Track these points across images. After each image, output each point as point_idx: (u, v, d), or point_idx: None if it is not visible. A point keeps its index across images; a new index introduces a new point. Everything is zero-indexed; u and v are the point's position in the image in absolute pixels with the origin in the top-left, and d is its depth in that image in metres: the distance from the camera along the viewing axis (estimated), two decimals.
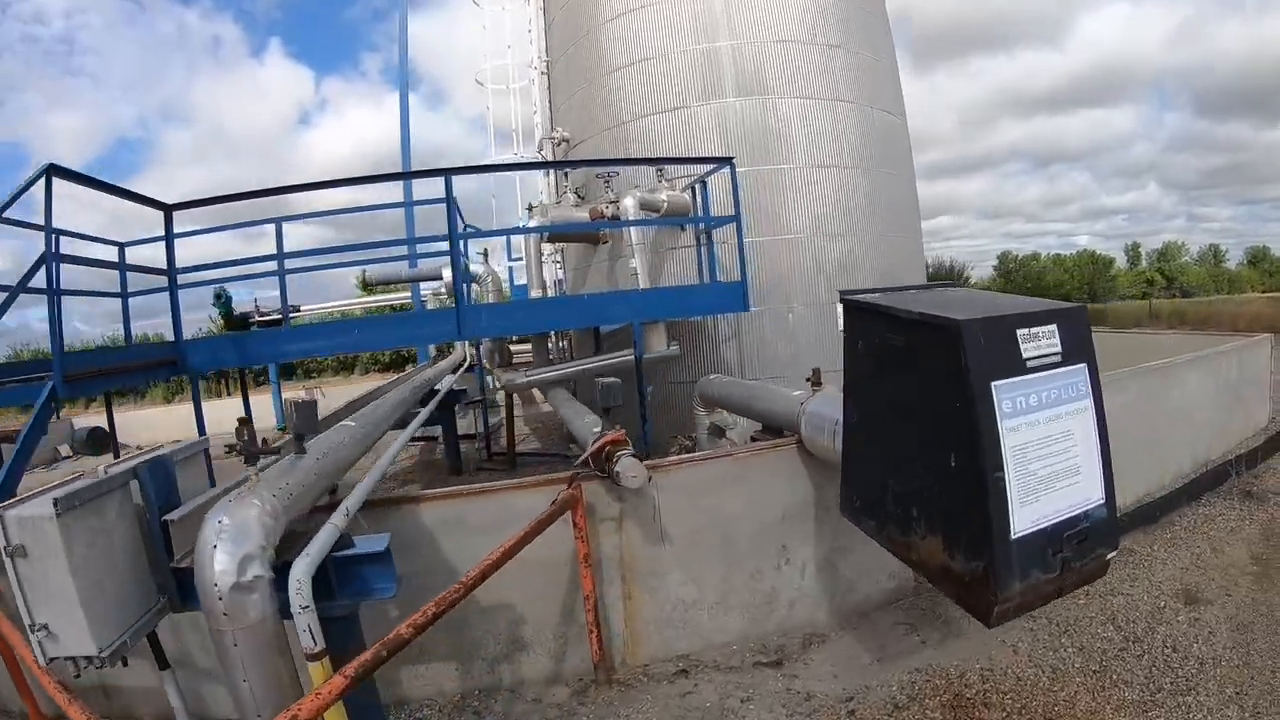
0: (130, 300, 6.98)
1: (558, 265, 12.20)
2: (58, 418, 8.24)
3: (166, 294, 6.80)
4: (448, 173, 7.00)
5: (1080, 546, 2.94)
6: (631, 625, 5.00)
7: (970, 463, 2.76)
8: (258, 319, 12.97)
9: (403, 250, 10.85)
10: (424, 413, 7.07)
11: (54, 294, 5.22)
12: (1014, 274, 46.45)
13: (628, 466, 4.45)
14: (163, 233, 6.68)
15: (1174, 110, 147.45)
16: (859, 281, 9.25)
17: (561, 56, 11.66)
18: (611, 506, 4.89)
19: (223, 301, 12.59)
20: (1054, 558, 2.90)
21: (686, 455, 5.51)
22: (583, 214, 9.16)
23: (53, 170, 5.01)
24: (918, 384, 3.04)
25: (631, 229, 8.28)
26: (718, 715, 4.32)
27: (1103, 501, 3.00)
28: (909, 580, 5.54)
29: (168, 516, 3.22)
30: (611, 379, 6.02)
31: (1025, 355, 2.91)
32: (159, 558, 3.25)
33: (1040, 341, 2.96)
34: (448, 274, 10.36)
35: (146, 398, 25.17)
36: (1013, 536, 2.79)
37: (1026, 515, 2.84)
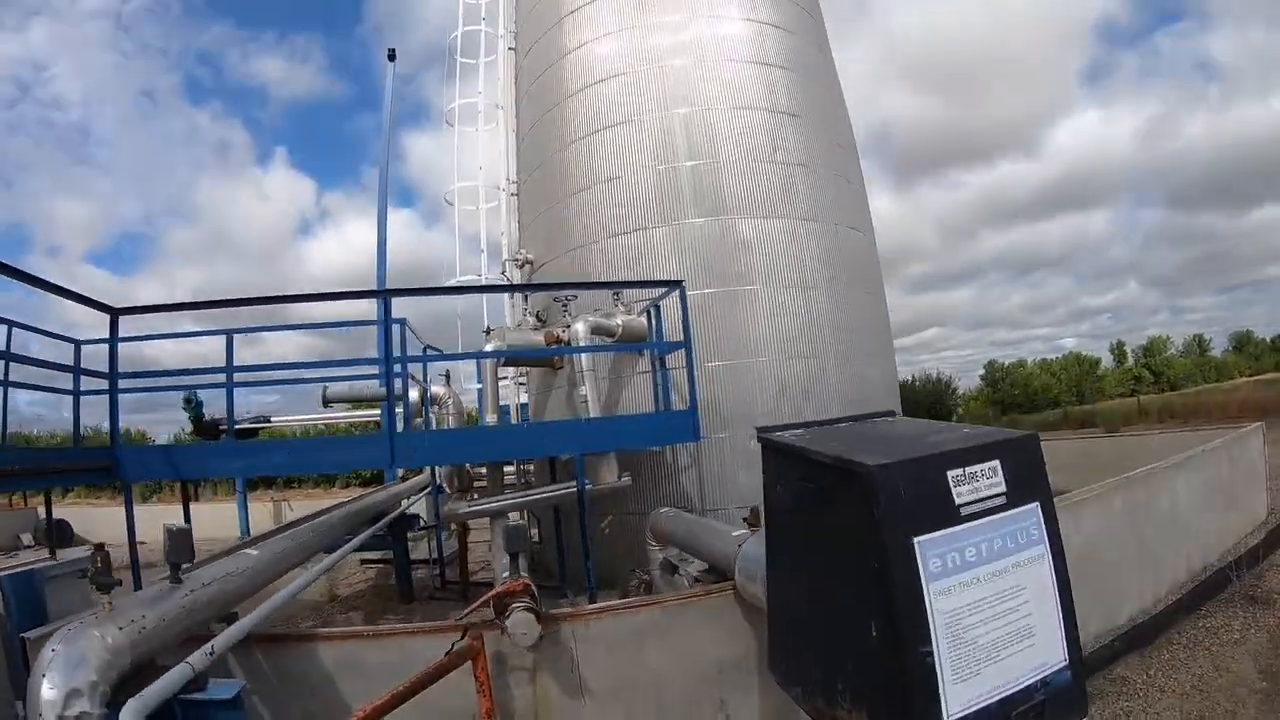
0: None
1: (522, 388, 11.88)
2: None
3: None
4: (386, 294, 6.83)
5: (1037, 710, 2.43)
6: None
7: (889, 634, 2.29)
8: (227, 427, 12.64)
9: (365, 368, 10.54)
10: (356, 540, 6.93)
11: None
12: (1001, 382, 46.47)
13: (518, 623, 4.00)
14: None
15: (1149, 207, 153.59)
16: (825, 405, 8.89)
17: (529, 179, 11.74)
18: (524, 656, 4.36)
19: (192, 406, 12.18)
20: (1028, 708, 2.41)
21: (608, 604, 4.97)
22: (540, 338, 8.91)
23: None
24: (836, 536, 2.61)
25: (582, 355, 8.01)
26: None
27: (1064, 664, 2.51)
28: None
29: (25, 634, 3.22)
30: (515, 522, 5.56)
31: (959, 501, 2.49)
32: (16, 675, 3.30)
33: (979, 483, 2.54)
34: (414, 393, 10.05)
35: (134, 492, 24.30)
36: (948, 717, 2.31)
37: (963, 694, 2.35)
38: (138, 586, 4.01)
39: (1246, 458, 9.36)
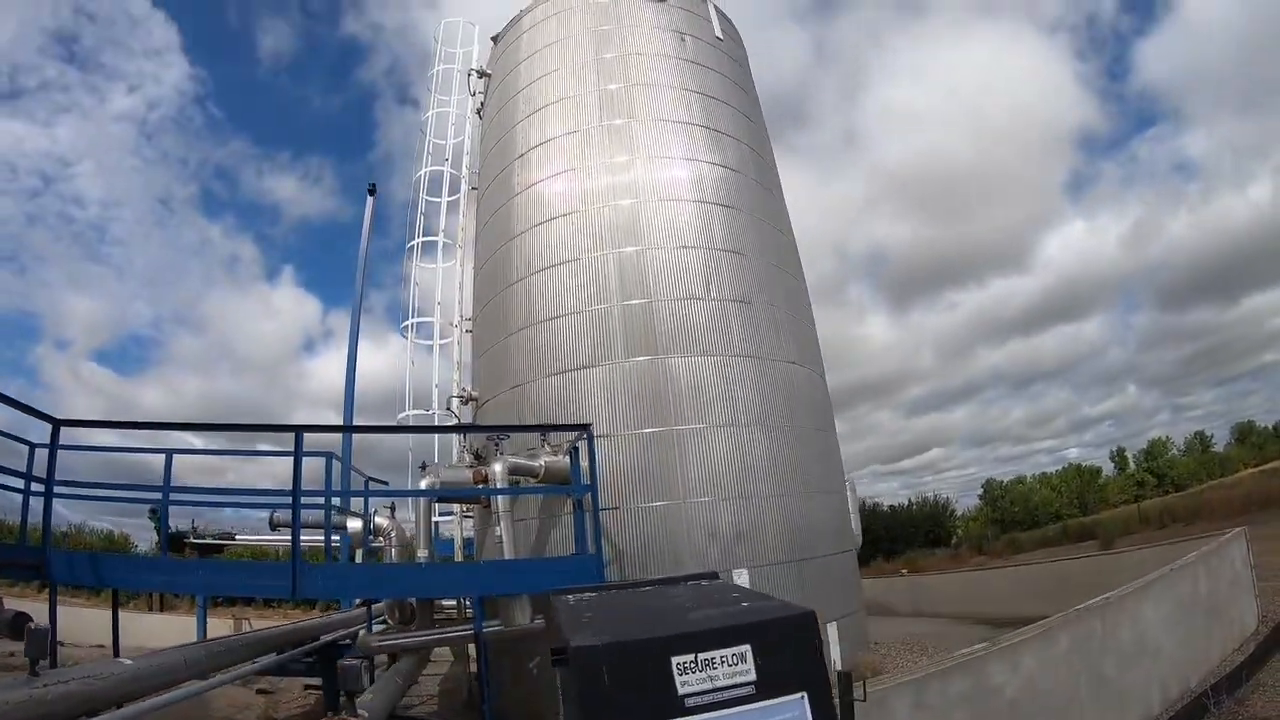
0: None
1: (471, 521, 11.85)
2: None
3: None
4: (299, 429, 7.03)
5: None
6: None
7: None
8: (193, 540, 12.86)
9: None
10: (250, 666, 7.21)
11: None
12: (1000, 500, 45.63)
13: None
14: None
15: (1140, 310, 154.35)
16: (761, 546, 8.84)
17: (480, 313, 12.04)
18: None
19: (158, 518, 12.46)
20: None
21: None
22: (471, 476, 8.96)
23: None
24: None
25: (499, 497, 8.06)
26: None
27: None
28: None
29: None
30: (351, 662, 5.48)
31: (683, 692, 2.30)
32: None
33: (715, 670, 2.35)
34: (353, 524, 10.08)
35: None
36: None
37: None
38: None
39: (1228, 567, 8.97)
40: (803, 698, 2.38)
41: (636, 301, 9.78)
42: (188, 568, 8.63)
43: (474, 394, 10.91)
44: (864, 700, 3.93)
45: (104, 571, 7.45)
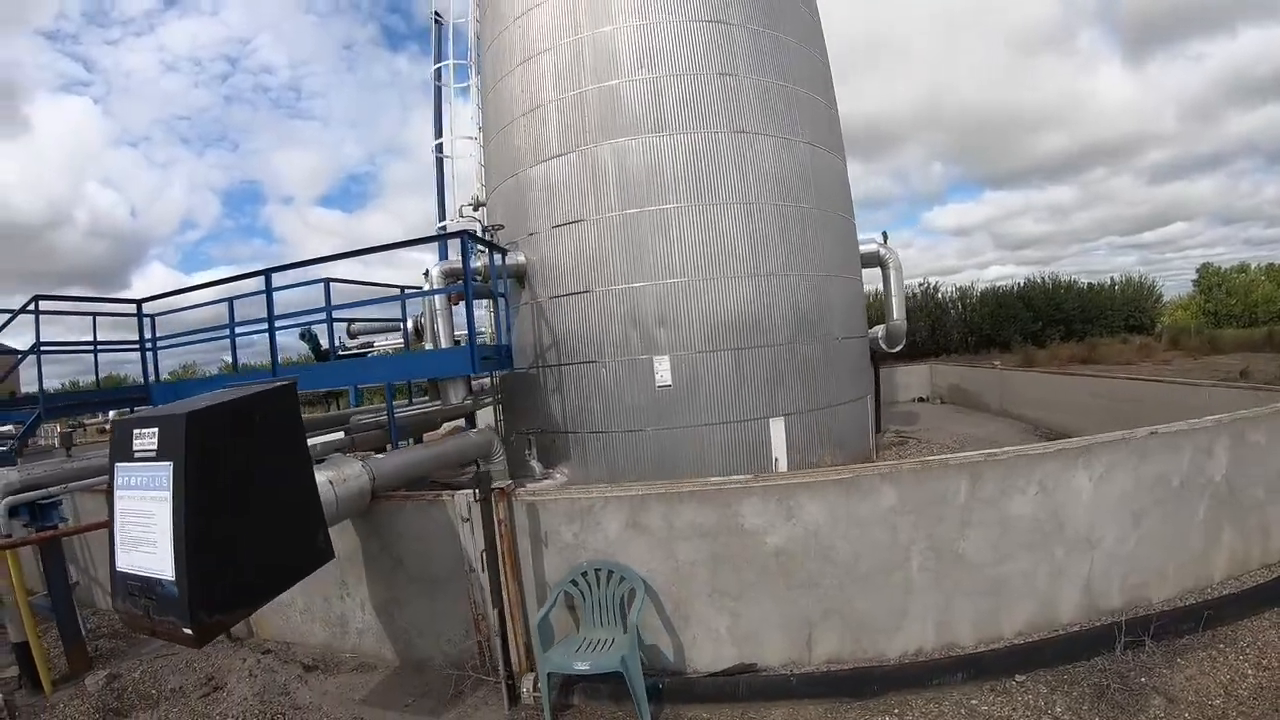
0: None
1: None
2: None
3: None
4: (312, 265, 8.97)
5: (155, 605, 3.63)
6: None
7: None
8: (342, 353, 15.85)
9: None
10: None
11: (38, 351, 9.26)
12: (1215, 290, 38.84)
13: None
14: None
15: None
16: (679, 334, 9.36)
17: (487, 123, 12.31)
18: None
19: (309, 339, 15.67)
20: (140, 601, 3.66)
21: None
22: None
23: (38, 298, 9.13)
24: None
25: (435, 297, 9.39)
26: None
27: (172, 580, 3.57)
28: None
29: None
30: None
31: (135, 447, 3.72)
32: None
33: (144, 440, 3.67)
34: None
35: None
36: (116, 568, 3.74)
37: (124, 559, 3.72)
38: None
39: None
40: (170, 465, 3.59)
41: (608, 83, 9.77)
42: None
43: (479, 196, 11.87)
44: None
45: (182, 391, 10.09)
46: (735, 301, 9.43)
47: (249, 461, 3.84)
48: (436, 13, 15.25)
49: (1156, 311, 34.46)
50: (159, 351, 10.78)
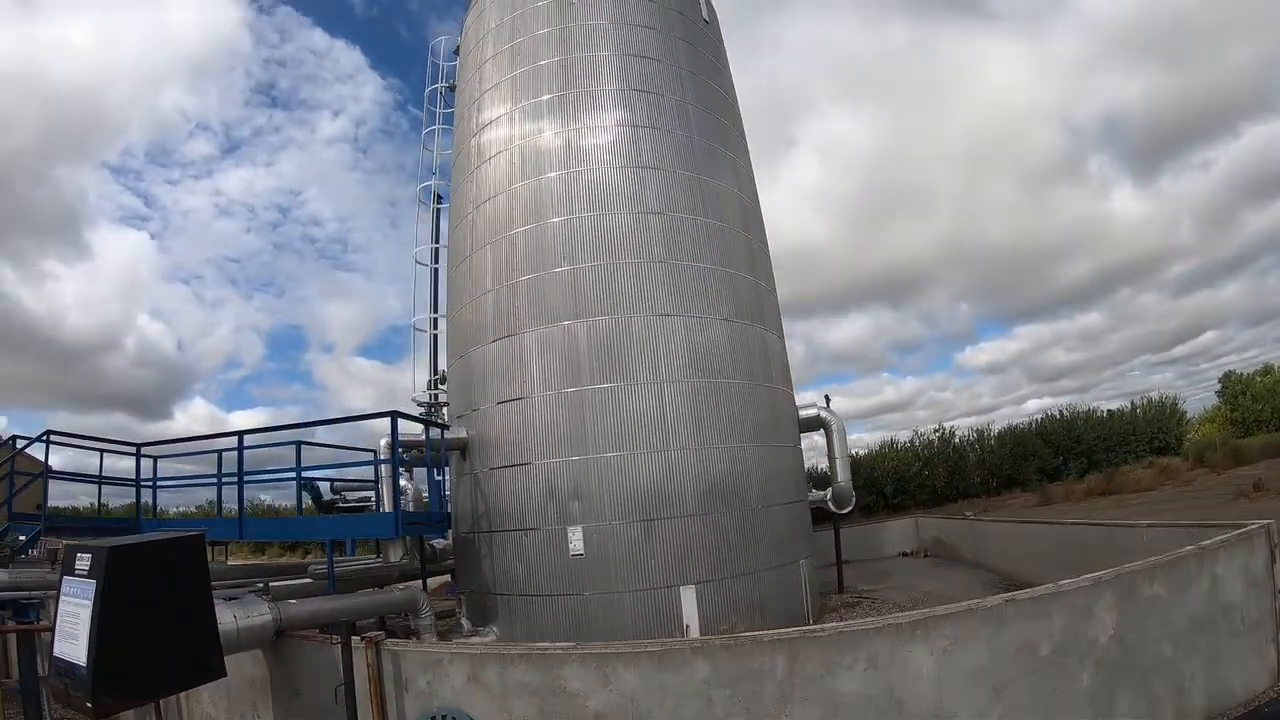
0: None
1: None
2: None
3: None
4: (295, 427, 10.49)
5: (73, 684, 4.99)
6: None
7: None
8: (340, 506, 16.38)
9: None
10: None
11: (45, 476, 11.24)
12: (1240, 397, 36.85)
13: None
14: None
15: None
16: (592, 506, 10.45)
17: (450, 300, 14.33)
18: None
19: (310, 489, 16.89)
20: (64, 679, 5.03)
21: None
22: None
23: (50, 434, 10.88)
24: None
25: (382, 465, 10.73)
26: None
27: (84, 666, 4.90)
28: None
29: None
30: None
31: (76, 567, 5.17)
32: None
33: (83, 562, 5.14)
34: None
35: None
36: (54, 654, 5.15)
37: (59, 647, 5.14)
38: None
39: (1236, 579, 6.53)
40: (94, 582, 5.00)
41: (536, 274, 11.41)
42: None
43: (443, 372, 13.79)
44: None
45: (167, 529, 11.62)
46: (644, 474, 10.38)
47: (154, 588, 5.22)
48: (439, 195, 17.00)
49: (1182, 429, 32.82)
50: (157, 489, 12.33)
